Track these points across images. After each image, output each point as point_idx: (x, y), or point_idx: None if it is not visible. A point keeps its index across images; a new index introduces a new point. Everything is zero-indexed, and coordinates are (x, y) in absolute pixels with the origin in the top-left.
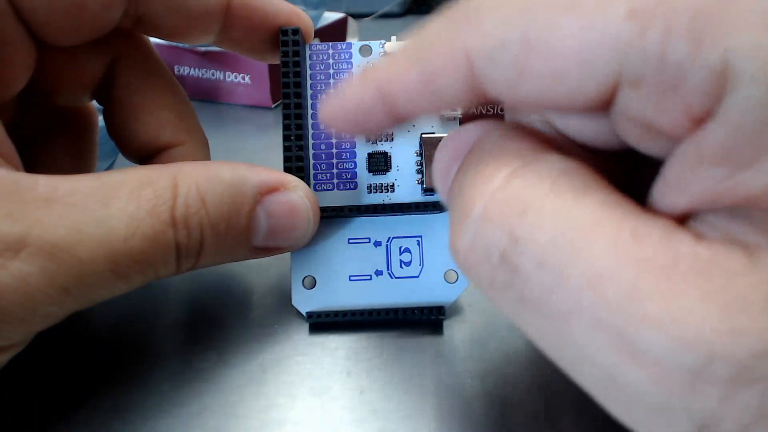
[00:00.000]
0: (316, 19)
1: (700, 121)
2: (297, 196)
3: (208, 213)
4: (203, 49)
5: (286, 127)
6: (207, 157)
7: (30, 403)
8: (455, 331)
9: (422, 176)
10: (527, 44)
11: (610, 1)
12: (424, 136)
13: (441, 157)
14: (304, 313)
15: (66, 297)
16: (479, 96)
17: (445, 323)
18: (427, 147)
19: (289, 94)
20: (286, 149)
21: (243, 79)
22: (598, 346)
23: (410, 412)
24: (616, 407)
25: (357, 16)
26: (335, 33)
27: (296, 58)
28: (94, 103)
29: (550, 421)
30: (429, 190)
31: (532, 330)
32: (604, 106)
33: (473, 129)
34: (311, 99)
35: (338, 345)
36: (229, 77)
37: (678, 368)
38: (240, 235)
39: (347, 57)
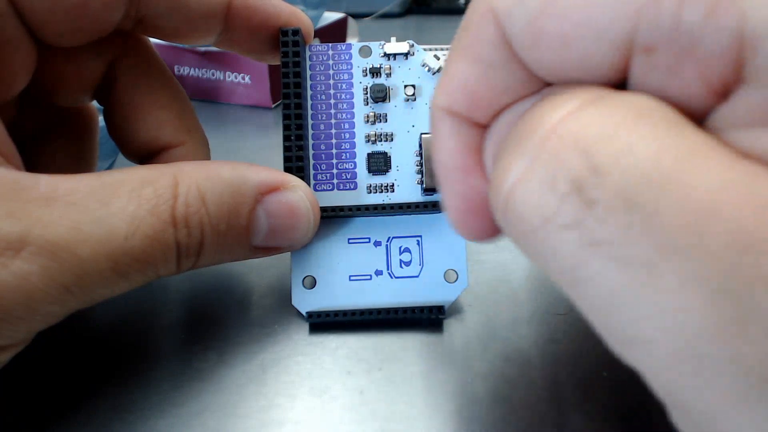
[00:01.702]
0: (316, 19)
1: (718, 89)
2: (297, 196)
3: (208, 212)
4: (203, 49)
5: (286, 128)
6: (207, 157)
7: (30, 402)
8: (455, 330)
9: (422, 176)
10: (544, 3)
11: None
12: (423, 136)
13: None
14: (304, 313)
15: (67, 296)
16: (517, 62)
17: (445, 323)
18: (427, 147)
19: (289, 95)
20: (286, 149)
21: (243, 79)
22: (694, 310)
23: (410, 412)
24: (692, 391)
25: (357, 16)
26: (335, 33)
27: (296, 59)
28: (95, 103)
29: (551, 420)
30: (429, 190)
31: (593, 288)
32: (620, 76)
33: None
34: (311, 99)
35: (338, 345)
36: (229, 77)
37: None
38: (240, 234)
39: (347, 58)
